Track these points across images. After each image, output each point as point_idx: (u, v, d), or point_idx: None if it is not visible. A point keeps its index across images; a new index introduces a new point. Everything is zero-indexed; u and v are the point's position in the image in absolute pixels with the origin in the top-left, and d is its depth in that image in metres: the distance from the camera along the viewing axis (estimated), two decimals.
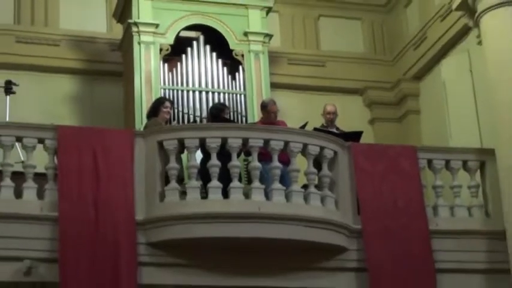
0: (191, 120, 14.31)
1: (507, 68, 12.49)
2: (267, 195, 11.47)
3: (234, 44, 14.95)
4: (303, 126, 12.69)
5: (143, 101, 14.03)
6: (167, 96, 13.85)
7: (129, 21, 14.67)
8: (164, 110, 12.79)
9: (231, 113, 14.22)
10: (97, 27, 16.00)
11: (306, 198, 11.62)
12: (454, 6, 13.60)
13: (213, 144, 11.34)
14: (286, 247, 11.54)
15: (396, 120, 16.99)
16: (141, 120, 13.83)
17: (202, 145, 11.47)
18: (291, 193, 11.54)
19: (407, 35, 17.03)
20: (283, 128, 12.64)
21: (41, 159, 11.38)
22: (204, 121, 14.01)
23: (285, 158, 11.74)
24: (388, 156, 12.61)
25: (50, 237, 10.77)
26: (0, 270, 10.62)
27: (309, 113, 14.16)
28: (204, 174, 11.64)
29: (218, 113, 13.05)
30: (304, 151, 11.76)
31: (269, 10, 15.42)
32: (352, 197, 12.17)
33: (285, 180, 11.73)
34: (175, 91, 14.37)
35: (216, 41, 15.00)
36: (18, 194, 11.05)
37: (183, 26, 14.89)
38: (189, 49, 14.77)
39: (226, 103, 14.22)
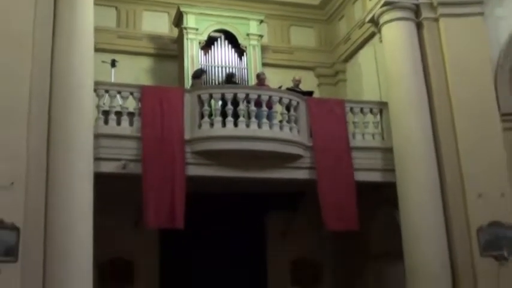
0: (216, 83, 15.15)
1: (396, 55, 13.66)
2: (259, 126, 12.63)
3: (241, 40, 15.93)
4: (279, 87, 13.78)
5: (189, 72, 14.86)
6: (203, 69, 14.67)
7: (182, 26, 15.56)
8: (202, 76, 14.13)
9: (238, 80, 15.14)
10: (163, 30, 16.68)
11: (281, 128, 12.82)
12: (367, 20, 14.52)
13: (229, 96, 12.69)
14: (270, 155, 12.76)
15: (333, 85, 17.69)
16: (187, 82, 14.71)
17: (223, 97, 12.73)
18: (273, 124, 12.78)
19: (339, 36, 17.53)
20: (268, 88, 13.63)
21: (130, 104, 12.57)
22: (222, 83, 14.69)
23: (269, 105, 12.92)
24: (327, 105, 13.76)
25: (137, 147, 11.98)
26: (108, 166, 11.77)
27: (284, 81, 14.83)
28: (223, 113, 12.66)
29: (230, 79, 14.15)
30: (280, 101, 12.99)
31: (261, 21, 16.31)
32: (307, 127, 13.26)
33: (270, 117, 12.90)
34: (207, 67, 15.22)
35: (231, 38, 15.91)
36: (118, 123, 12.23)
37: (212, 29, 15.79)
38: (215, 43, 15.75)
39: (236, 74, 15.15)
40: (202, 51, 15.51)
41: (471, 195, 12.48)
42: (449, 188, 12.78)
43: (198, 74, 14.04)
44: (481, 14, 13.41)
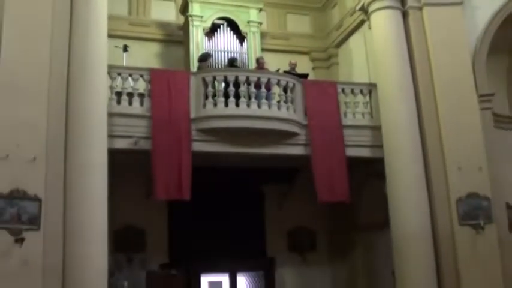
0: (219, 66, 15.43)
1: (383, 41, 13.91)
2: (259, 106, 12.85)
3: (242, 26, 16.22)
4: (277, 71, 13.82)
5: (194, 56, 15.17)
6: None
7: (187, 14, 15.84)
8: (208, 60, 14.33)
9: (240, 63, 15.34)
10: (170, 17, 17.04)
11: (278, 107, 13.04)
12: (357, 8, 14.72)
13: (231, 78, 12.86)
14: (268, 132, 12.98)
15: (326, 68, 17.98)
16: (193, 66, 14.98)
17: (225, 79, 12.86)
18: (271, 104, 12.99)
19: (332, 23, 17.79)
20: (267, 71, 13.70)
21: (141, 86, 12.79)
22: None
23: (268, 87, 13.11)
24: (321, 86, 13.96)
25: (147, 125, 12.23)
26: (121, 142, 12.05)
27: (281, 64, 14.77)
28: (226, 94, 12.79)
29: (232, 63, 14.40)
30: (278, 83, 13.18)
31: (261, 9, 16.56)
32: (303, 107, 13.46)
33: (268, 98, 13.07)
34: (211, 51, 15.36)
35: (233, 25, 16.19)
36: (130, 103, 12.42)
37: (215, 17, 16.08)
38: (218, 29, 16.04)
39: (237, 58, 15.30)
40: (206, 37, 15.75)
41: (451, 168, 12.84)
42: (431, 162, 13.06)
43: (205, 57, 14.31)
44: (460, 3, 13.72)
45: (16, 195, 10.22)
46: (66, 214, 10.74)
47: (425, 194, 12.99)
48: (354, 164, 13.45)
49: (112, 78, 12.33)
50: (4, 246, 9.99)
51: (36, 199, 10.33)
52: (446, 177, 12.86)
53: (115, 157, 11.51)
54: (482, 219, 12.47)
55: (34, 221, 10.31)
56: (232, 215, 15.42)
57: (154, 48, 16.62)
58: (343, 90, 13.99)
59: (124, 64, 13.76)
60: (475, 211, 12.60)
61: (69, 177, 10.93)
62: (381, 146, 13.58)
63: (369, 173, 14.25)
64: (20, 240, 10.03)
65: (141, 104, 12.49)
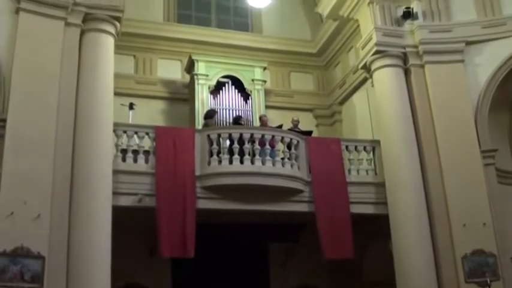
0: (224, 123, 15.38)
1: (386, 98, 13.90)
2: (263, 163, 12.74)
3: (247, 84, 16.29)
4: (280, 127, 13.86)
5: (200, 114, 15.14)
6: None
7: (193, 72, 15.93)
8: (214, 116, 14.37)
9: (244, 121, 15.31)
10: (176, 76, 17.03)
11: (283, 164, 12.91)
12: (360, 66, 14.74)
13: (235, 136, 12.82)
14: (273, 190, 12.80)
15: (329, 125, 17.92)
16: (198, 123, 14.94)
17: (230, 136, 12.82)
18: (275, 161, 12.86)
19: (335, 81, 17.82)
20: (271, 128, 13.78)
21: (146, 143, 12.58)
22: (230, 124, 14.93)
23: (272, 144, 13.02)
24: (325, 143, 13.89)
25: (151, 183, 12.08)
26: (125, 199, 11.86)
27: (284, 120, 14.91)
28: (230, 151, 12.73)
29: (237, 121, 14.42)
30: (282, 140, 13.12)
31: (265, 68, 16.72)
32: (306, 164, 13.34)
33: (272, 155, 12.99)
34: (216, 109, 15.44)
35: (237, 84, 16.24)
36: (135, 160, 12.39)
37: (220, 75, 16.12)
38: (223, 87, 16.07)
39: (242, 116, 15.33)
40: (211, 95, 15.83)
41: (456, 225, 12.67)
42: (436, 219, 12.92)
43: (211, 114, 14.41)
44: (462, 61, 13.76)
45: (20, 253, 9.97)
46: (70, 271, 10.51)
47: (430, 250, 12.76)
48: (359, 220, 13.25)
49: (118, 136, 12.31)
50: None
51: (40, 257, 10.11)
52: (451, 233, 12.67)
53: (119, 214, 11.36)
54: (489, 276, 12.19)
55: (37, 279, 10.05)
56: (236, 272, 15.13)
57: (160, 105, 16.64)
58: (347, 147, 13.93)
59: (130, 121, 13.79)
60: (481, 268, 12.33)
61: (73, 234, 10.77)
62: (385, 203, 13.44)
63: (374, 230, 14.03)
64: None
65: (146, 161, 12.38)
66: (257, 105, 16.09)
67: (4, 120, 10.64)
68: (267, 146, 12.95)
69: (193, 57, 16.02)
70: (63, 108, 11.23)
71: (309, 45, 18.51)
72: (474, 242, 12.42)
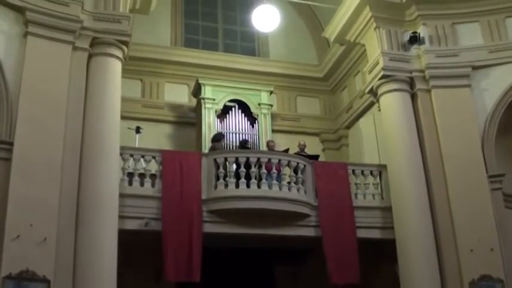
0: (230, 147, 15.36)
1: (393, 122, 13.88)
2: (270, 187, 12.72)
3: (253, 108, 16.34)
4: (286, 151, 13.88)
5: (206, 138, 15.15)
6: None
7: (200, 96, 15.96)
8: (221, 140, 14.42)
9: (251, 145, 15.29)
10: (183, 100, 17.08)
11: (289, 189, 12.88)
12: (366, 91, 14.81)
13: (242, 160, 12.81)
14: (279, 214, 12.76)
15: (336, 149, 17.89)
16: (205, 147, 14.92)
17: (236, 160, 12.83)
18: (282, 186, 12.85)
19: (342, 105, 17.85)
20: (277, 152, 13.71)
21: (153, 167, 12.65)
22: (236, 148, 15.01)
23: (278, 168, 13.03)
24: (332, 168, 13.87)
25: (158, 206, 12.05)
26: (131, 223, 11.81)
27: (291, 144, 14.80)
28: (237, 175, 12.74)
29: (244, 145, 14.36)
30: (288, 164, 13.13)
31: (271, 92, 16.81)
32: (313, 189, 13.34)
33: (279, 179, 12.97)
34: (223, 133, 15.40)
35: (244, 108, 16.33)
36: (141, 184, 12.29)
37: (227, 99, 16.19)
38: (230, 111, 16.14)
39: (249, 140, 15.38)
40: (218, 119, 15.87)
41: (463, 250, 12.53)
42: (443, 244, 12.82)
43: (218, 137, 14.45)
44: (468, 86, 13.72)
45: (25, 276, 9.87)
46: None
47: (437, 276, 12.62)
48: (365, 245, 13.16)
49: (124, 160, 12.28)
50: None
51: (45, 280, 10.02)
52: (458, 259, 12.54)
53: (125, 237, 11.30)
54: None
55: None
56: None
57: (167, 129, 16.65)
58: (353, 171, 13.87)
59: (136, 145, 13.83)
60: None
61: (78, 257, 10.68)
62: (392, 228, 13.38)
63: (381, 254, 13.93)
64: None
65: (153, 185, 12.35)
66: (263, 129, 16.11)
67: (11, 144, 10.64)
68: (274, 170, 12.90)
69: (200, 81, 16.06)
70: (70, 132, 11.20)
71: (315, 69, 18.60)
72: (482, 268, 12.25)
